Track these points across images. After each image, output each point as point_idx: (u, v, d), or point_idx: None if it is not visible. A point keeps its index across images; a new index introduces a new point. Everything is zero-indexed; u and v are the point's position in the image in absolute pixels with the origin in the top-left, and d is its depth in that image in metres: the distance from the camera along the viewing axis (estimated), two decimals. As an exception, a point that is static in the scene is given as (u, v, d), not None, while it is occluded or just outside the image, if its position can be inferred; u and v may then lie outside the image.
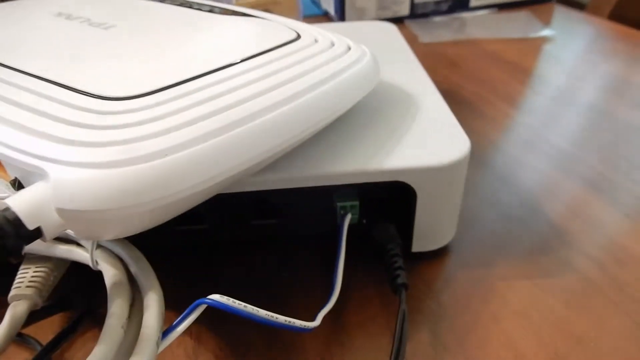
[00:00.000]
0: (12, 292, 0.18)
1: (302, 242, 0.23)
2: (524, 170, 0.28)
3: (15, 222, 0.12)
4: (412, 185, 0.19)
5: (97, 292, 0.17)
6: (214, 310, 0.20)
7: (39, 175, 0.13)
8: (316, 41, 0.21)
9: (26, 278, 0.18)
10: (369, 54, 0.21)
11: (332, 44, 0.21)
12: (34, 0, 0.26)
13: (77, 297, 0.20)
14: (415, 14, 0.53)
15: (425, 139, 0.20)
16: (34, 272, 0.19)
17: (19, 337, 0.18)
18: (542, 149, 0.30)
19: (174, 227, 0.21)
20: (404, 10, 0.53)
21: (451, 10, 0.54)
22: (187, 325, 0.14)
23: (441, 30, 0.49)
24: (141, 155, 0.13)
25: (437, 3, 0.53)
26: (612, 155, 0.29)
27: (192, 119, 0.14)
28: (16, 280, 0.18)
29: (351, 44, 0.22)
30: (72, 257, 0.18)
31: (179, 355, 0.18)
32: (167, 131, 0.14)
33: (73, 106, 0.14)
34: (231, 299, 0.14)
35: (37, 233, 0.13)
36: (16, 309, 0.17)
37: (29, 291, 0.18)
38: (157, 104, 0.15)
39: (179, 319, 0.14)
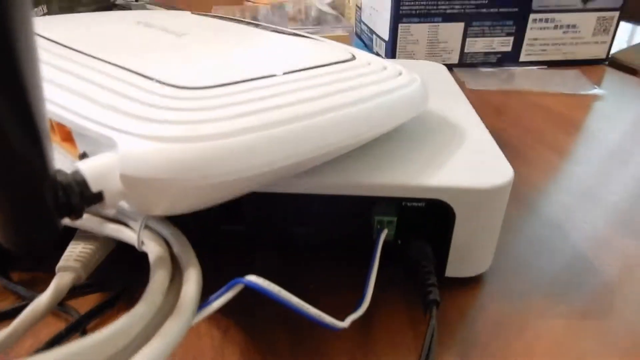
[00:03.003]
0: (60, 263, 0.19)
1: (336, 255, 0.23)
2: (568, 215, 0.27)
3: (82, 183, 0.14)
4: (452, 205, 0.19)
5: (139, 277, 0.18)
6: (242, 305, 0.20)
7: (107, 147, 0.15)
8: (369, 63, 0.22)
9: (74, 252, 0.19)
10: (419, 80, 0.22)
11: (385, 68, 0.22)
12: (117, 13, 0.29)
13: (117, 279, 0.21)
14: (464, 63, 0.55)
15: (469, 164, 0.20)
16: (83, 248, 0.20)
17: (60, 307, 0.19)
18: (587, 197, 0.29)
19: (214, 226, 0.22)
20: (454, 58, 0.54)
21: (500, 62, 0.55)
22: (223, 303, 0.14)
23: (489, 80, 0.50)
24: (201, 135, 0.14)
25: (486, 54, 0.54)
26: (661, 210, 0.28)
27: (249, 112, 0.15)
28: (65, 253, 0.19)
29: (403, 70, 0.23)
30: (120, 236, 0.19)
31: (206, 344, 0.18)
32: (227, 118, 0.15)
33: (146, 90, 0.16)
34: (267, 281, 0.14)
35: (99, 197, 0.14)
36: (62, 279, 0.18)
37: (76, 264, 0.19)
38: (220, 96, 0.16)
39: (215, 295, 0.14)
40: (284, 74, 0.18)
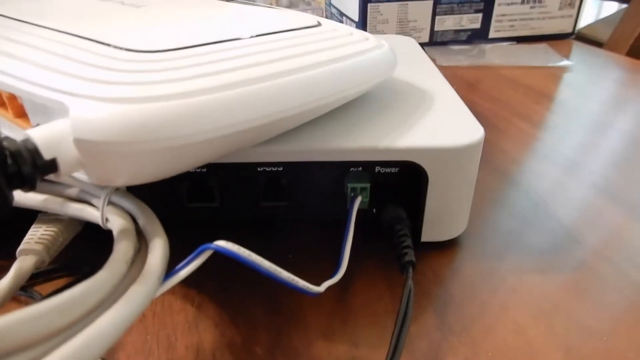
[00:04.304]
0: (21, 247, 0.18)
1: (311, 227, 0.22)
2: (536, 178, 0.27)
3: (33, 151, 0.13)
4: (424, 166, 0.19)
5: (104, 259, 0.17)
6: (216, 279, 0.20)
7: (60, 114, 0.14)
8: (335, 30, 0.22)
9: (36, 235, 0.18)
10: (387, 45, 0.22)
11: (351, 34, 0.22)
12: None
13: (82, 263, 0.20)
14: (435, 41, 0.55)
15: (439, 125, 0.20)
16: (45, 230, 0.19)
17: (24, 291, 0.18)
18: (555, 160, 0.29)
19: (185, 205, 0.21)
20: (424, 37, 0.54)
21: (470, 40, 0.55)
22: (191, 270, 0.14)
23: (459, 56, 0.50)
24: (156, 95, 0.13)
25: (456, 32, 0.54)
26: (629, 168, 0.28)
27: (204, 73, 0.15)
28: (26, 237, 0.18)
29: (369, 36, 0.22)
30: (84, 215, 0.18)
31: (180, 322, 0.18)
32: (182, 79, 0.14)
33: (97, 54, 0.15)
34: (236, 246, 0.14)
35: (53, 165, 0.13)
36: (23, 262, 0.17)
37: (38, 247, 0.18)
38: (175, 58, 0.15)
39: (183, 262, 0.14)
40: (247, 38, 0.18)
